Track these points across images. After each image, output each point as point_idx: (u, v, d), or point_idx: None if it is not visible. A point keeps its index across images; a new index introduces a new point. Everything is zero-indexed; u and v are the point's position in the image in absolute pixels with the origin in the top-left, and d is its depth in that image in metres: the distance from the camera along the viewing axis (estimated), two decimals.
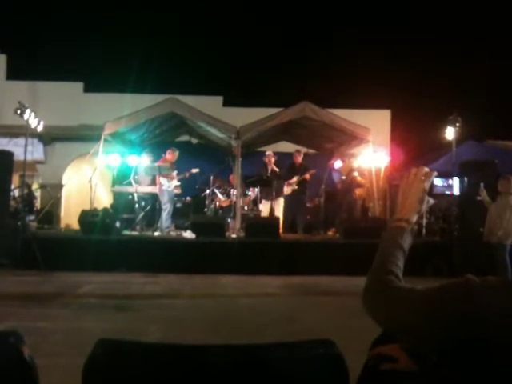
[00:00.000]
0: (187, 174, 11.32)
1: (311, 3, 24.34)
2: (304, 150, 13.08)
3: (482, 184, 8.35)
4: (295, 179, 11.65)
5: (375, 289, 1.26)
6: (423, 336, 1.10)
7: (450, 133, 9.95)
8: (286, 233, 11.18)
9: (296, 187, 11.70)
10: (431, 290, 1.13)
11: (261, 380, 1.24)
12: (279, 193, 11.59)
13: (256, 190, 11.68)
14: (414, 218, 1.36)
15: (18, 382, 1.26)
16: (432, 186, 1.45)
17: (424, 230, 11.09)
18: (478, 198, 8.38)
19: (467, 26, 21.13)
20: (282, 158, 12.11)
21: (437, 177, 1.40)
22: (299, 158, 11.97)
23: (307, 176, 11.63)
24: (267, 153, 11.94)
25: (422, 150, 14.88)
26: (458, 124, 9.74)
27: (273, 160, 11.73)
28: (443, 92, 19.08)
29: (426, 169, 1.39)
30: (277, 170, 11.64)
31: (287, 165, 11.93)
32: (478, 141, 14.40)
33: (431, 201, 1.39)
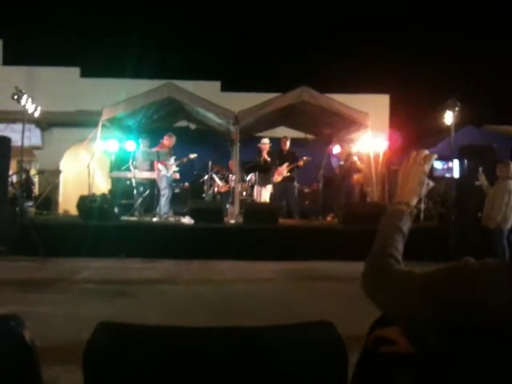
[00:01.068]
0: (185, 160, 11.29)
1: None
2: (295, 136, 13.03)
3: (480, 169, 8.35)
4: (285, 166, 11.63)
5: (375, 271, 1.26)
6: (422, 319, 1.10)
7: (448, 118, 9.91)
8: (282, 219, 11.20)
9: (288, 174, 11.69)
10: (431, 273, 1.13)
11: (260, 362, 1.25)
12: (269, 180, 11.60)
13: (254, 175, 11.69)
14: (414, 201, 1.36)
15: (19, 365, 1.27)
16: (432, 168, 1.45)
17: (422, 215, 11.10)
18: (477, 182, 8.39)
19: (466, 11, 20.97)
20: (278, 143, 12.07)
21: (436, 160, 1.41)
22: (286, 145, 11.94)
23: (300, 163, 11.61)
24: (263, 141, 11.87)
25: (420, 134, 14.83)
26: (456, 109, 9.70)
27: (267, 148, 11.69)
28: (442, 77, 18.98)
29: (426, 151, 1.39)
30: (268, 159, 11.60)
31: (275, 152, 11.87)
32: (476, 126, 14.38)
33: (431, 183, 1.39)
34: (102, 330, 1.24)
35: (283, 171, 11.67)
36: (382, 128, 13.11)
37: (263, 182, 11.50)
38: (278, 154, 11.83)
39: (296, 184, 12.15)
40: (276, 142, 12.08)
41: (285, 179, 11.72)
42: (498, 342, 1.00)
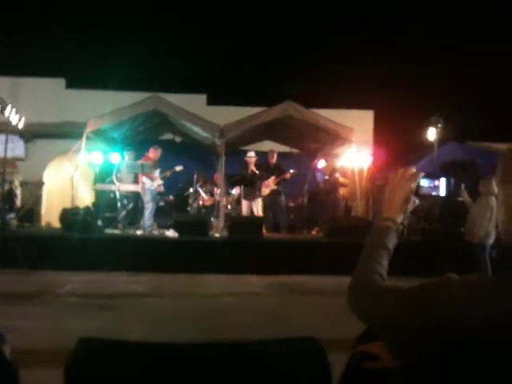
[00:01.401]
0: (168, 173, 11.24)
1: (298, 4, 24.37)
2: (280, 150, 13.08)
3: (462, 185, 8.45)
4: (272, 179, 11.67)
5: (360, 287, 1.27)
6: (406, 334, 1.11)
7: (431, 134, 10.05)
8: (269, 232, 11.21)
9: (275, 187, 11.73)
10: (413, 289, 1.14)
11: (244, 377, 1.24)
12: (258, 193, 11.62)
13: (239, 189, 11.70)
14: (400, 218, 1.37)
15: None
16: (418, 186, 1.47)
17: (405, 230, 11.17)
18: (460, 198, 8.48)
19: (450, 28, 21.36)
20: (264, 157, 12.11)
21: (423, 177, 1.43)
22: (273, 159, 11.98)
23: (287, 176, 11.65)
24: (249, 154, 11.88)
25: (404, 150, 14.99)
26: (439, 125, 9.85)
27: (253, 161, 11.71)
28: (426, 93, 19.25)
29: (413, 169, 1.41)
30: (256, 172, 11.62)
31: (262, 165, 11.90)
32: (459, 142, 14.56)
33: (417, 201, 1.41)
34: (82, 346, 1.22)
35: (270, 184, 11.70)
36: (366, 143, 13.21)
37: (252, 196, 11.50)
38: (265, 167, 11.86)
39: (283, 197, 12.18)
40: (261, 155, 12.11)
41: (272, 192, 11.75)
42: (479, 355, 1.01)
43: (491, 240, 7.64)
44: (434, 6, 21.29)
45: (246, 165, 11.74)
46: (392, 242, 1.33)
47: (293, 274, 8.70)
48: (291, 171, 11.66)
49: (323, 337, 1.36)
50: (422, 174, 1.42)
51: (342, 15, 23.82)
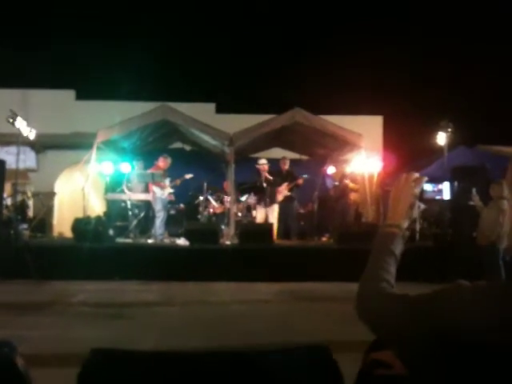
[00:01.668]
0: (178, 182, 11.30)
1: (305, 10, 24.45)
2: (290, 157, 13.09)
3: (473, 189, 8.38)
4: (285, 186, 11.69)
5: (367, 295, 1.26)
6: (416, 343, 1.11)
7: (441, 138, 10.00)
8: (280, 239, 11.19)
9: (288, 193, 11.75)
10: (423, 296, 1.13)
11: None
12: (273, 200, 11.62)
13: (252, 196, 11.74)
14: (405, 224, 1.36)
15: None
16: (422, 191, 1.46)
17: (417, 236, 11.12)
18: (471, 203, 8.42)
19: (459, 32, 21.29)
20: (274, 164, 12.12)
21: (427, 182, 1.42)
22: (286, 165, 12.02)
23: (300, 181, 11.68)
24: (260, 161, 11.92)
25: (414, 155, 14.94)
26: (449, 129, 9.80)
27: (266, 168, 11.74)
28: (435, 98, 19.20)
29: (416, 174, 1.40)
30: (270, 178, 11.65)
31: (274, 172, 11.93)
32: (469, 146, 14.48)
33: (422, 206, 1.40)
34: (95, 356, 1.23)
35: (283, 190, 11.73)
36: (375, 149, 13.19)
37: (268, 203, 11.52)
38: (278, 174, 11.91)
39: (296, 204, 12.19)
40: (271, 162, 12.12)
41: (285, 199, 11.77)
42: (494, 362, 1.00)
43: (504, 244, 7.57)
44: (447, 9, 21.25)
45: (258, 172, 11.76)
46: (398, 248, 1.33)
47: (303, 281, 8.67)
48: (304, 176, 11.70)
49: (333, 344, 1.36)
50: (426, 178, 1.41)
51: (351, 21, 23.85)
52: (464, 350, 1.02)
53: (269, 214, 11.51)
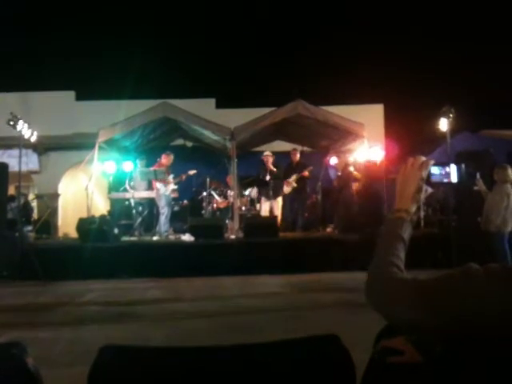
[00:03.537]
0: (183, 177, 11.32)
1: (304, 2, 24.35)
2: (299, 148, 13.12)
3: (478, 174, 8.36)
4: (294, 177, 11.71)
5: (378, 281, 1.25)
6: (427, 327, 1.09)
7: (443, 124, 9.94)
8: (284, 232, 11.19)
9: (295, 185, 11.76)
10: (434, 280, 1.12)
11: (268, 378, 1.24)
12: (278, 192, 11.63)
13: (255, 190, 11.75)
14: (413, 208, 1.35)
15: None
16: (429, 174, 1.45)
17: (422, 223, 11.09)
18: (475, 187, 8.39)
19: (459, 19, 21.17)
20: (277, 157, 12.11)
21: (434, 165, 1.41)
22: (296, 157, 12.06)
23: (306, 173, 11.68)
24: (265, 153, 11.95)
25: (416, 142, 14.86)
26: (451, 115, 9.73)
27: (271, 160, 11.75)
28: (435, 84, 19.10)
29: (423, 158, 1.39)
30: (274, 169, 11.65)
31: (285, 164, 11.96)
32: (472, 131, 14.41)
33: (429, 189, 1.40)
34: (105, 353, 1.23)
35: (292, 182, 11.75)
36: (377, 138, 13.15)
37: (273, 195, 11.53)
38: (289, 166, 11.94)
39: (307, 194, 12.23)
40: (274, 155, 12.11)
41: (294, 190, 11.79)
42: (501, 347, 0.99)
43: (509, 228, 7.55)
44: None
45: (263, 164, 11.76)
46: (407, 232, 1.31)
47: (310, 272, 8.68)
48: (308, 168, 11.74)
49: (343, 334, 1.35)
50: (432, 161, 1.40)
51: (349, 10, 23.75)
52: (473, 332, 1.01)
53: (273, 207, 11.53)
